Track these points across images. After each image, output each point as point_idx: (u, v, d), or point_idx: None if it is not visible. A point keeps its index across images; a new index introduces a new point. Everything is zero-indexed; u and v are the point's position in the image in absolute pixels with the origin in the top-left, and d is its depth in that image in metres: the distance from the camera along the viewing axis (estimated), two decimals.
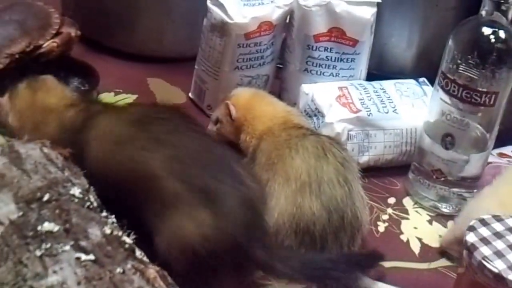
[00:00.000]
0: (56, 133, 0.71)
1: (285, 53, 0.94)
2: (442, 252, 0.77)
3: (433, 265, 0.76)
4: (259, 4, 0.88)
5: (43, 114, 0.73)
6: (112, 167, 0.66)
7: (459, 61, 0.75)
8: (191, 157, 0.64)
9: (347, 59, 0.90)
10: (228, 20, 0.87)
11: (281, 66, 0.96)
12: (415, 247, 0.78)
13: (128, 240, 0.58)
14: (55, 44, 0.91)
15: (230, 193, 0.63)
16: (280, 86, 0.96)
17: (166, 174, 0.62)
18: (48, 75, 0.79)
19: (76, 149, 0.66)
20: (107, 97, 0.95)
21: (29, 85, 0.76)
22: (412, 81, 0.93)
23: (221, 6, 0.87)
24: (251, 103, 0.82)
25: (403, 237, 0.79)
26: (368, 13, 0.89)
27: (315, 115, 0.85)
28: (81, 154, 0.66)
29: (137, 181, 0.64)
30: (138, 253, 0.57)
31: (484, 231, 0.62)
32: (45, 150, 0.65)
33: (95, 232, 0.56)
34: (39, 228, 0.55)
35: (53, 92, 0.76)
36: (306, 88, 0.87)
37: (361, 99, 0.86)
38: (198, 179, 0.62)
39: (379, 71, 0.97)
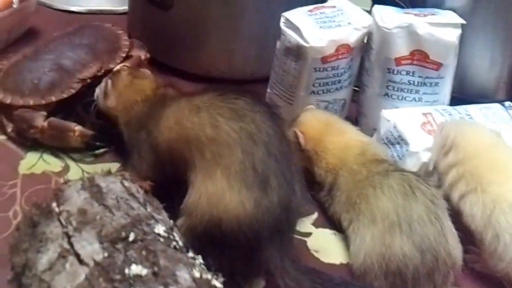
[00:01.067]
0: (142, 110, 0.77)
1: (363, 76, 0.90)
2: None
3: None
4: (336, 26, 0.85)
5: (136, 94, 0.79)
6: (182, 132, 0.69)
7: None
8: (263, 139, 0.66)
9: (430, 83, 0.86)
10: (304, 44, 0.83)
11: (357, 89, 0.92)
12: None
13: (218, 284, 0.54)
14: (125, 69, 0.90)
15: (277, 189, 0.64)
16: (357, 110, 0.92)
17: (235, 144, 0.65)
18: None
19: (153, 122, 0.73)
20: None
21: (130, 72, 0.83)
22: (497, 105, 0.87)
23: (296, 29, 0.84)
24: (321, 134, 0.79)
25: None
26: (452, 35, 0.84)
27: (398, 143, 0.80)
28: (156, 126, 0.73)
29: (203, 145, 0.67)
30: None
31: None
32: (126, 183, 0.63)
33: (184, 276, 0.53)
34: (126, 271, 0.52)
35: (148, 79, 0.82)
36: (387, 114, 0.83)
37: None
38: (259, 161, 0.64)
39: (460, 94, 0.92)
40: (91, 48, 0.90)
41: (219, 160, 0.65)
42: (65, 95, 0.85)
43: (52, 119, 0.83)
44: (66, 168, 0.83)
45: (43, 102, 0.84)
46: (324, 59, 0.84)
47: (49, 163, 0.84)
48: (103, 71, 0.88)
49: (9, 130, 0.85)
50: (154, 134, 0.73)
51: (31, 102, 0.84)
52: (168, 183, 0.71)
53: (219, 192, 0.64)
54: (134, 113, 0.78)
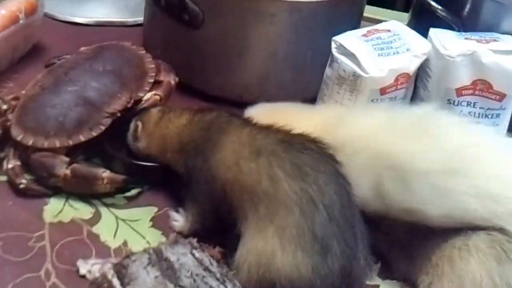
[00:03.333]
0: (178, 147, 0.72)
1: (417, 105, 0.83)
2: None
3: None
4: (394, 53, 0.77)
5: (170, 131, 0.73)
6: (238, 177, 0.64)
7: None
8: (325, 203, 0.60)
9: (492, 115, 0.79)
10: (362, 74, 0.75)
11: None
12: None
13: None
14: (157, 98, 0.80)
15: (338, 257, 0.59)
16: None
17: (293, 204, 0.60)
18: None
19: (210, 147, 0.68)
20: None
21: (160, 110, 0.76)
22: None
23: (352, 57, 0.76)
24: None
25: None
26: None
27: None
28: (213, 154, 0.67)
29: (257, 199, 0.62)
30: None
31: None
32: (197, 254, 0.55)
33: None
34: None
35: (180, 114, 0.74)
36: None
37: None
38: (319, 226, 0.59)
39: None
40: (117, 76, 0.80)
41: (273, 218, 0.61)
42: (94, 133, 0.75)
43: (75, 166, 0.73)
44: (97, 215, 0.74)
45: (71, 143, 0.74)
46: (383, 90, 0.76)
47: (77, 209, 0.74)
48: (132, 101, 0.79)
49: (9, 166, 0.74)
50: (211, 163, 0.67)
51: (57, 144, 0.73)
52: (223, 221, 0.66)
53: (270, 252, 0.59)
54: (171, 149, 0.72)
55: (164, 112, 0.75)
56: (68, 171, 0.72)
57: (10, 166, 0.73)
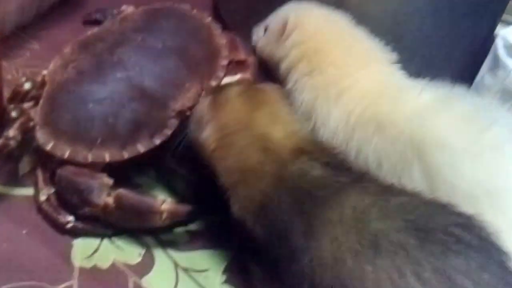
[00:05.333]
0: (271, 187, 0.46)
1: None
2: None
3: None
4: None
5: (257, 145, 0.48)
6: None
7: None
8: None
9: None
10: None
11: None
12: None
13: None
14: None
15: None
16: None
17: None
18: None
19: (302, 221, 0.44)
20: None
21: (245, 94, 0.50)
22: None
23: None
24: None
25: None
26: None
27: None
28: (309, 229, 0.43)
29: None
30: None
31: None
32: None
33: None
34: None
35: (281, 119, 0.49)
36: None
37: None
38: None
39: None
40: (182, 56, 0.56)
41: None
42: (158, 142, 0.51)
43: (122, 193, 0.50)
44: (149, 259, 0.51)
45: (126, 156, 0.50)
46: None
47: (120, 249, 0.52)
48: (204, 94, 0.55)
49: (42, 198, 0.51)
50: (300, 254, 0.43)
51: (107, 158, 0.50)
52: None
53: None
54: (257, 187, 0.47)
55: (254, 104, 0.50)
56: (111, 200, 0.49)
57: (43, 198, 0.51)
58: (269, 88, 0.52)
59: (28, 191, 0.54)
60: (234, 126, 0.48)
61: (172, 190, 0.54)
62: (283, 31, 0.58)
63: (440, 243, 0.40)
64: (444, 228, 0.40)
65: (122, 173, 0.52)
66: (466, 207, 0.43)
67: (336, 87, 0.54)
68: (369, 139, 0.51)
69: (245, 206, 0.46)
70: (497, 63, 0.56)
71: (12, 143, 0.49)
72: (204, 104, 0.50)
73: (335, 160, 0.47)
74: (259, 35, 0.61)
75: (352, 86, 0.54)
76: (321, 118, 0.54)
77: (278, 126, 0.48)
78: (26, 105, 0.52)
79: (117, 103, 0.51)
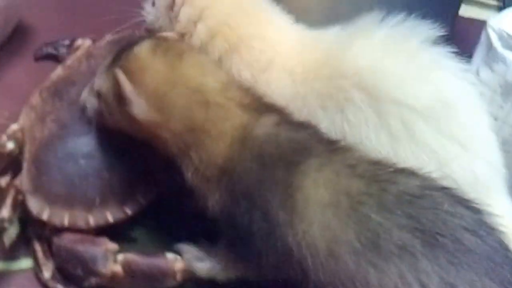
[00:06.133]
0: (230, 149, 0.43)
1: None
2: None
3: None
4: None
5: (198, 100, 0.43)
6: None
7: None
8: None
9: None
10: None
11: None
12: None
13: None
14: None
15: None
16: None
17: None
18: None
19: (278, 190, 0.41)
20: None
21: (158, 49, 0.45)
22: None
23: None
24: None
25: None
26: None
27: None
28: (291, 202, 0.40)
29: None
30: None
31: None
32: None
33: None
34: None
35: (209, 70, 0.45)
36: None
37: None
38: None
39: None
40: None
41: None
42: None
43: (130, 258, 0.46)
44: None
45: (130, 213, 0.47)
46: None
47: None
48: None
49: (46, 275, 0.46)
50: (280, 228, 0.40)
51: (110, 219, 0.46)
52: None
53: None
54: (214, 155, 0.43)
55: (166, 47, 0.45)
56: (118, 267, 0.45)
57: (47, 274, 0.46)
58: (174, 37, 0.48)
59: (19, 264, 0.48)
60: (164, 87, 0.43)
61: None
62: (172, 4, 0.53)
63: (448, 252, 0.38)
64: (452, 233, 0.38)
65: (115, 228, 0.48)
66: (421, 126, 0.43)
67: (264, 56, 0.50)
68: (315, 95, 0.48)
69: (202, 171, 0.43)
70: (494, 56, 0.53)
71: (6, 224, 0.45)
72: (111, 83, 0.44)
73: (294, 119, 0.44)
74: (148, 10, 0.55)
75: (279, 52, 0.51)
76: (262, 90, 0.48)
77: (209, 78, 0.44)
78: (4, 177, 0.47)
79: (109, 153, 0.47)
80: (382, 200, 0.39)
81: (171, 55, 0.44)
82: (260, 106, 0.44)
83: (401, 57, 0.48)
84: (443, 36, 0.48)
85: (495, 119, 0.54)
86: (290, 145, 0.42)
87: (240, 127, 0.42)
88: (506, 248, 0.39)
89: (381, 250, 0.38)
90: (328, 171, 0.40)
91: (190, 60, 0.44)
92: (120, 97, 0.42)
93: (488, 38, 0.54)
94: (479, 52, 0.56)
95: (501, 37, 0.53)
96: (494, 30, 0.53)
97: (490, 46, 0.54)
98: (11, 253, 0.48)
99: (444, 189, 0.40)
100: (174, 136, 0.43)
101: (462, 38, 0.73)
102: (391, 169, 0.41)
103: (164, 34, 0.48)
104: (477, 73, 0.55)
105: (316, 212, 0.39)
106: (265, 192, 0.41)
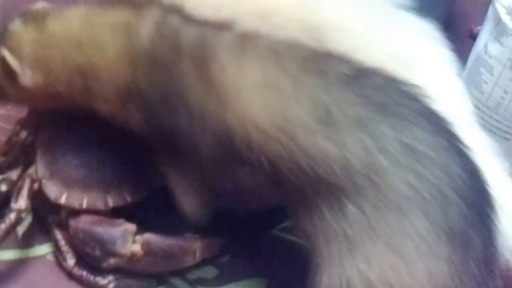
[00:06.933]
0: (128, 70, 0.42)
1: None
2: None
3: None
4: None
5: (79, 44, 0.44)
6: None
7: None
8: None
9: None
10: None
11: None
12: None
13: None
14: None
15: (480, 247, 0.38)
16: None
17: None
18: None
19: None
20: None
21: (27, 19, 0.47)
22: None
23: None
24: None
25: None
26: None
27: None
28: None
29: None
30: None
31: None
32: None
33: None
34: None
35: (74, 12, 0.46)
36: None
37: None
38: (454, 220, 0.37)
39: None
40: None
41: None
42: None
43: (149, 238, 0.45)
44: None
45: (146, 193, 0.46)
46: None
47: None
48: None
49: (71, 263, 0.46)
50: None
51: (129, 198, 0.46)
52: None
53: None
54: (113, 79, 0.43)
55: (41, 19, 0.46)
56: (138, 247, 0.45)
57: (71, 262, 0.46)
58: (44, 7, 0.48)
59: (35, 251, 0.48)
60: (41, 51, 0.45)
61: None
62: None
63: (399, 116, 0.38)
64: (397, 100, 0.39)
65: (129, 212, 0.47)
66: None
67: None
68: None
69: (113, 100, 0.43)
70: (502, 31, 0.53)
71: (23, 215, 0.44)
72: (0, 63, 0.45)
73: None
74: None
75: None
76: None
77: (75, 23, 0.45)
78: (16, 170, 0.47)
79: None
80: (325, 81, 0.39)
81: (38, 21, 0.46)
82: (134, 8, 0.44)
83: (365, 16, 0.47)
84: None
85: (505, 92, 0.54)
86: (195, 41, 0.41)
87: (122, 43, 0.43)
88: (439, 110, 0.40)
89: (336, 125, 0.38)
90: (251, 57, 0.40)
91: (54, 19, 0.46)
92: (11, 74, 0.44)
93: (496, 12, 0.54)
94: (487, 27, 0.56)
95: (509, 11, 0.53)
96: (502, 4, 0.53)
97: (498, 21, 0.53)
98: (27, 241, 0.48)
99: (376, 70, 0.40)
100: (73, 88, 0.44)
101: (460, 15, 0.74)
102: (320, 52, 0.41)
103: (34, 7, 0.49)
104: (486, 48, 0.55)
105: (251, 94, 0.39)
106: (181, 91, 0.40)
